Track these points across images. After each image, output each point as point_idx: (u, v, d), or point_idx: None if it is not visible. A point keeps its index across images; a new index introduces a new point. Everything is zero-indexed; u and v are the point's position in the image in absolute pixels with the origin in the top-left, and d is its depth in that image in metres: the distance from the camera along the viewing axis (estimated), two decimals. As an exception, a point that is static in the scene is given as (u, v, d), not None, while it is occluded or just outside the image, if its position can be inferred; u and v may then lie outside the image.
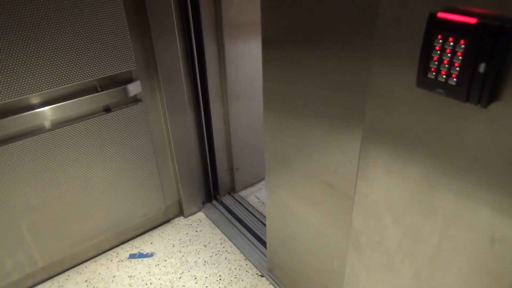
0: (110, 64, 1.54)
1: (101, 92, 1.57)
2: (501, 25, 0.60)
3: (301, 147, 1.20)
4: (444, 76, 0.68)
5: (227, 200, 2.28)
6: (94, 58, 1.49)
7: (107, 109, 1.64)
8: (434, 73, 0.70)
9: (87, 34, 1.45)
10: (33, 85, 1.40)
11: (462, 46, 0.65)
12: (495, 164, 0.71)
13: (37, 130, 1.50)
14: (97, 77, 1.53)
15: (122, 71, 1.59)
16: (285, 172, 1.33)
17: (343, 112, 1.00)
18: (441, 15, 0.66)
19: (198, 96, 1.95)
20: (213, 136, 2.09)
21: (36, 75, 1.39)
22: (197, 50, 1.84)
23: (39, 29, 1.34)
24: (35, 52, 1.36)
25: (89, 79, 1.52)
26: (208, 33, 1.82)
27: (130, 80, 1.65)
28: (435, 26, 0.68)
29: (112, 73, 1.57)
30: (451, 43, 0.66)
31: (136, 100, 1.71)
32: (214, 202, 2.30)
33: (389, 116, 0.87)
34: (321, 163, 1.15)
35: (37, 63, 1.38)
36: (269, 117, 1.30)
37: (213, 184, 2.27)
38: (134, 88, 1.65)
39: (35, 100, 1.46)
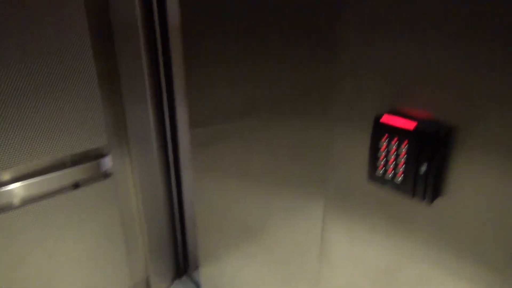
0: (82, 140, 1.56)
1: (71, 168, 1.56)
2: (437, 132, 0.66)
3: (263, 227, 1.21)
4: (390, 174, 0.73)
5: (198, 275, 2.21)
6: (65, 134, 1.51)
7: (76, 185, 1.63)
8: (381, 171, 0.75)
9: (59, 109, 1.47)
10: (3, 161, 1.39)
11: (405, 147, 0.70)
12: (446, 252, 0.74)
13: (5, 208, 1.46)
14: (68, 153, 1.54)
15: (93, 147, 1.60)
16: (245, 261, 1.32)
17: (302, 195, 1.03)
18: (384, 119, 0.73)
19: (169, 167, 1.97)
20: (184, 208, 2.07)
21: (6, 151, 1.39)
22: (170, 120, 1.87)
23: (10, 103, 1.36)
24: (4, 127, 1.37)
25: (60, 155, 1.52)
26: (182, 102, 1.87)
27: (101, 155, 1.66)
28: (380, 128, 0.74)
29: (83, 150, 1.58)
30: (395, 144, 0.72)
31: (106, 175, 1.71)
32: (184, 278, 2.22)
33: (348, 203, 0.90)
34: (283, 249, 1.16)
35: (6, 139, 1.38)
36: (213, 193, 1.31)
37: (183, 259, 2.21)
38: (105, 163, 1.66)
39: (5, 177, 1.44)
